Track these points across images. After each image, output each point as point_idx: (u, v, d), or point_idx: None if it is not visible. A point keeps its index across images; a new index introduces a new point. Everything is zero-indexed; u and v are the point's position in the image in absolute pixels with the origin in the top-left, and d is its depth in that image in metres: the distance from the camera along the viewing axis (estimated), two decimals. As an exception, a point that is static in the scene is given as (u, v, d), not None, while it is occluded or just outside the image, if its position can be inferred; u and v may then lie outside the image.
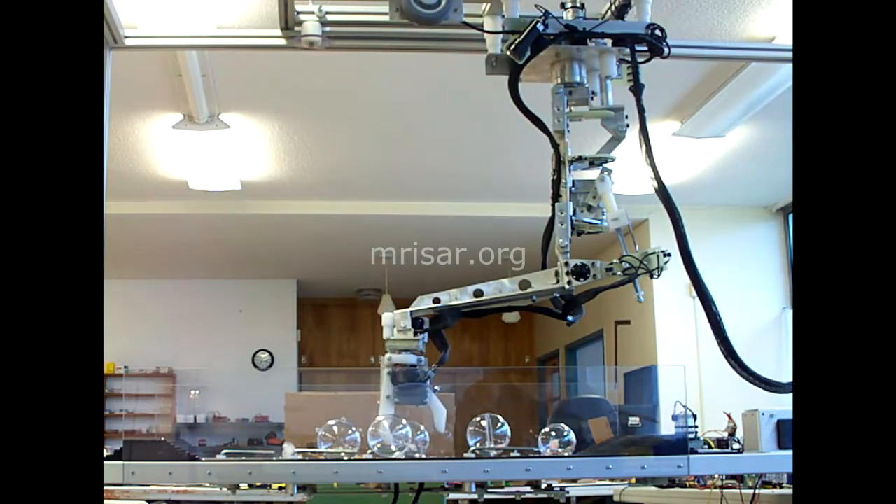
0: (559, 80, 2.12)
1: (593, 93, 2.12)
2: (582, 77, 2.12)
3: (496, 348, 12.11)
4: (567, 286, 2.00)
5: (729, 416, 2.53)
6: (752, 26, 4.59)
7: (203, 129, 5.81)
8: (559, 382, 11.30)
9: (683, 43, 2.57)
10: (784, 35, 4.52)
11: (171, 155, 6.45)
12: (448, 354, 2.11)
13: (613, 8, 2.22)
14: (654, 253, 1.97)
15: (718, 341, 1.92)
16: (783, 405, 2.13)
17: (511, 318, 11.33)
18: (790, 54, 1.80)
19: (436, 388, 2.06)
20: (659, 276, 1.97)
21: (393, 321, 2.04)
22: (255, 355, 10.59)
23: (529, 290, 2.04)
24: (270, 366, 10.56)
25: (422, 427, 2.07)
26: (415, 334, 2.03)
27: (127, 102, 5.50)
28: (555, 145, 2.07)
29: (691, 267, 1.94)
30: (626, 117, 2.11)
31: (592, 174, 2.11)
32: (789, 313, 7.75)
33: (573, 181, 2.06)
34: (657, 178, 1.99)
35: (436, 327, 2.06)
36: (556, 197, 2.05)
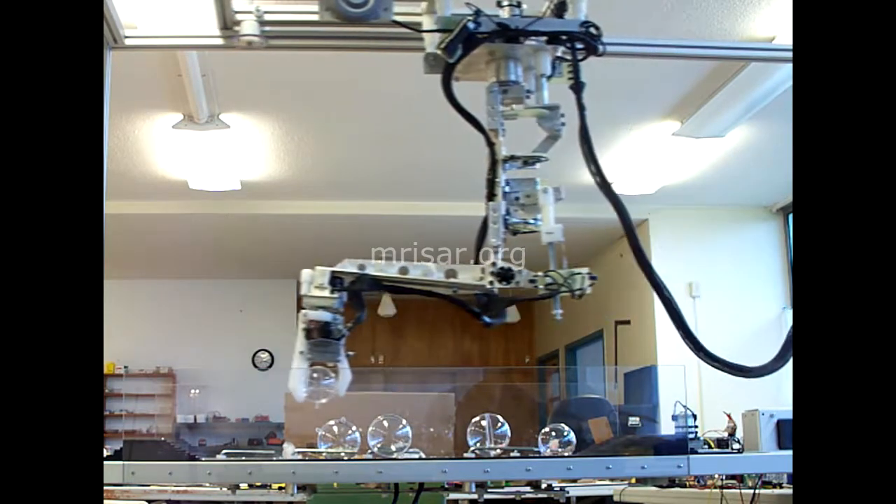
0: (494, 79, 2.09)
1: (529, 91, 2.09)
2: (517, 75, 2.09)
3: (496, 348, 12.09)
4: (489, 286, 2.00)
5: (729, 416, 2.54)
6: (752, 26, 4.59)
7: (203, 129, 5.81)
8: (559, 382, 11.28)
9: (683, 43, 2.57)
10: (784, 35, 4.52)
11: (171, 155, 6.45)
12: (364, 315, 2.08)
13: (552, 6, 2.18)
14: (579, 273, 1.94)
15: (682, 336, 1.85)
16: (783, 405, 2.14)
17: (511, 317, 11.30)
18: (790, 54, 1.80)
19: (349, 352, 2.05)
20: (581, 297, 1.94)
21: (311, 277, 2.05)
22: (255, 355, 10.59)
23: (452, 281, 2.04)
24: (270, 366, 10.55)
25: (330, 374, 2.05)
26: (331, 292, 2.03)
27: (127, 102, 5.50)
28: (490, 144, 2.04)
29: (643, 262, 1.87)
30: (563, 115, 2.07)
31: (529, 173, 2.07)
32: (789, 313, 7.74)
33: (506, 180, 2.03)
34: (599, 173, 1.94)
35: (353, 288, 2.06)
36: (490, 196, 2.03)
